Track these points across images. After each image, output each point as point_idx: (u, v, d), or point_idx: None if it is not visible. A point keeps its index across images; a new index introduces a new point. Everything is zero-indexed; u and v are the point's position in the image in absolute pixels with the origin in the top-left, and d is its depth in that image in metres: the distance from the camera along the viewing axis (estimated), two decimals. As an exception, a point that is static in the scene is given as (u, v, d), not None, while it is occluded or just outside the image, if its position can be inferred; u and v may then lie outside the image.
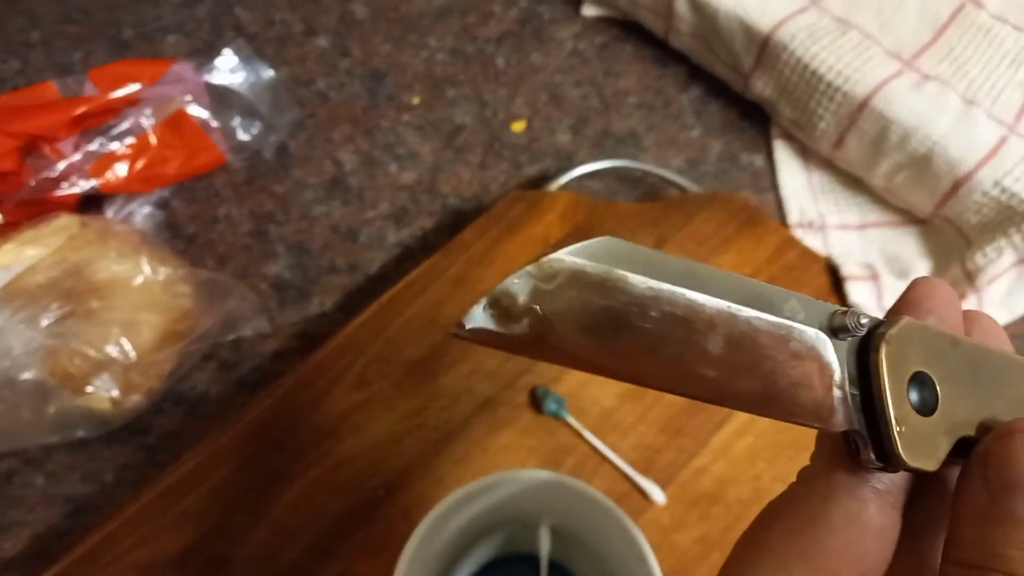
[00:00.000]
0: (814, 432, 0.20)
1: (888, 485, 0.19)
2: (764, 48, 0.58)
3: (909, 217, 0.58)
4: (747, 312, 0.17)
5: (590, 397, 0.48)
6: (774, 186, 0.60)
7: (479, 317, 0.15)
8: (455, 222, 0.57)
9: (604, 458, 0.47)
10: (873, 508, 0.18)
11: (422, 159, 0.60)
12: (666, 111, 0.63)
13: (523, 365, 0.49)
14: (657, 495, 0.45)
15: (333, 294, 0.55)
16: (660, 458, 0.47)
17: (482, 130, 0.61)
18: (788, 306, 0.18)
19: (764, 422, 0.48)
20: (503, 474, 0.38)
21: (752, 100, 0.62)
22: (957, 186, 0.53)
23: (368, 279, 0.55)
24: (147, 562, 0.44)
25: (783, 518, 0.19)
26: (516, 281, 0.15)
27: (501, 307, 0.15)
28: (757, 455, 0.48)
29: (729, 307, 0.17)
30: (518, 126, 0.62)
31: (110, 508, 0.47)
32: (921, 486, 0.20)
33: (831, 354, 0.18)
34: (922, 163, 0.54)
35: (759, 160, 0.61)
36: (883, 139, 0.55)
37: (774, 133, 0.62)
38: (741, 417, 0.48)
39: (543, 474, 0.39)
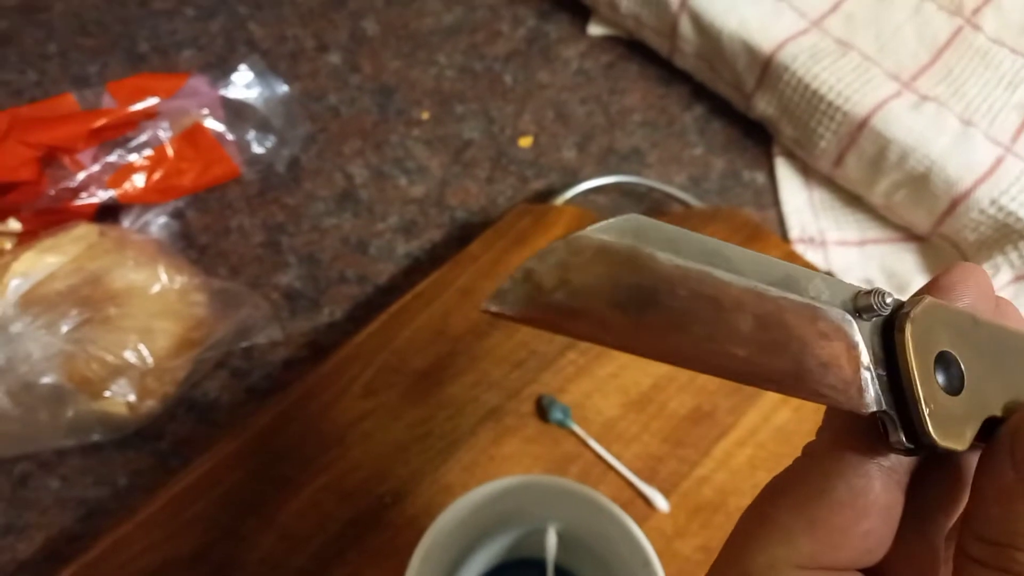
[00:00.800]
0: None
1: (894, 464, 0.19)
2: (766, 68, 0.59)
3: (908, 234, 0.60)
4: (774, 292, 0.17)
5: (594, 407, 0.49)
6: (776, 203, 0.61)
7: (512, 291, 0.15)
8: (463, 235, 0.58)
9: (608, 466, 0.48)
10: (879, 485, 0.18)
11: (431, 173, 0.61)
12: (670, 129, 0.64)
13: (529, 375, 0.50)
14: (661, 503, 0.46)
15: (342, 304, 0.56)
16: (663, 467, 0.48)
17: (490, 145, 0.63)
18: (813, 286, 0.18)
19: (764, 433, 0.49)
20: (510, 479, 0.38)
21: (754, 119, 0.63)
22: (955, 204, 0.54)
23: (377, 290, 0.56)
24: (158, 566, 0.44)
25: (788, 492, 0.19)
26: (547, 255, 0.15)
27: (533, 281, 0.15)
28: (758, 465, 0.48)
29: (756, 286, 0.17)
30: (525, 142, 0.63)
31: (122, 512, 0.47)
32: (926, 468, 0.20)
33: (857, 334, 0.18)
34: (920, 182, 0.55)
35: (761, 177, 0.63)
36: (882, 158, 0.56)
37: (775, 151, 0.63)
38: (742, 428, 0.49)
39: (549, 479, 0.39)
